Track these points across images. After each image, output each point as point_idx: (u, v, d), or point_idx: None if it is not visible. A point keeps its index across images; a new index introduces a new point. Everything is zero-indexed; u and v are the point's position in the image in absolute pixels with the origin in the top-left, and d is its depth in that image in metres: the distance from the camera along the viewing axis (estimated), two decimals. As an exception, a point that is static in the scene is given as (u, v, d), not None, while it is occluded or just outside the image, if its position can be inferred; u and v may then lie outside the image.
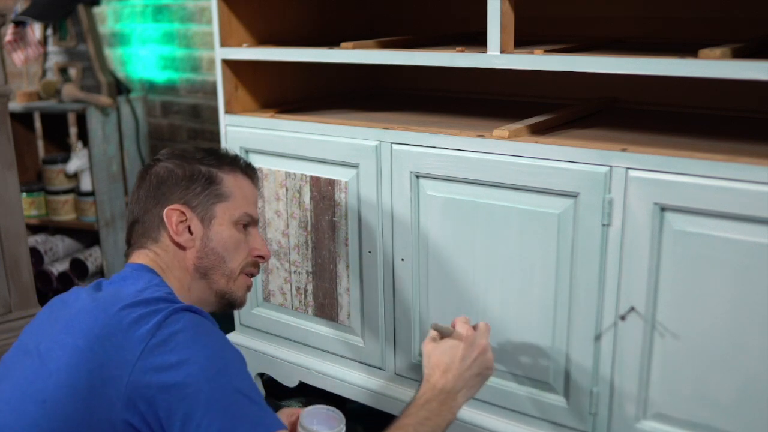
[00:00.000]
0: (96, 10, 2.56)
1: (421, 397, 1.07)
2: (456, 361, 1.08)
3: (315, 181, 1.59)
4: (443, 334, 1.12)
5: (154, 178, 1.16)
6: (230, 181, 1.17)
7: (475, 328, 1.13)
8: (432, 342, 1.12)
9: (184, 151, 1.21)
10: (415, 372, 1.55)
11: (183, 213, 1.12)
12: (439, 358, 1.09)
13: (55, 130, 2.75)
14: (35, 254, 2.48)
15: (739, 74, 1.09)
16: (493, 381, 1.44)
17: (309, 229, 1.63)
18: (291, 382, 1.77)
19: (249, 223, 1.19)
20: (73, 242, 2.67)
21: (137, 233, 1.16)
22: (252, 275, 1.20)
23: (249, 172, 1.22)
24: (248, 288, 1.20)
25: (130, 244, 1.16)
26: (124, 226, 1.21)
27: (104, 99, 2.46)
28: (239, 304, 1.19)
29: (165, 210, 1.11)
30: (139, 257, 1.13)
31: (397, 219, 1.49)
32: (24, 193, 2.48)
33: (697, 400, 1.22)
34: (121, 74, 2.76)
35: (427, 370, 1.09)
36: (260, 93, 1.77)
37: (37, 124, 2.73)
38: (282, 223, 1.67)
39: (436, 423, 1.04)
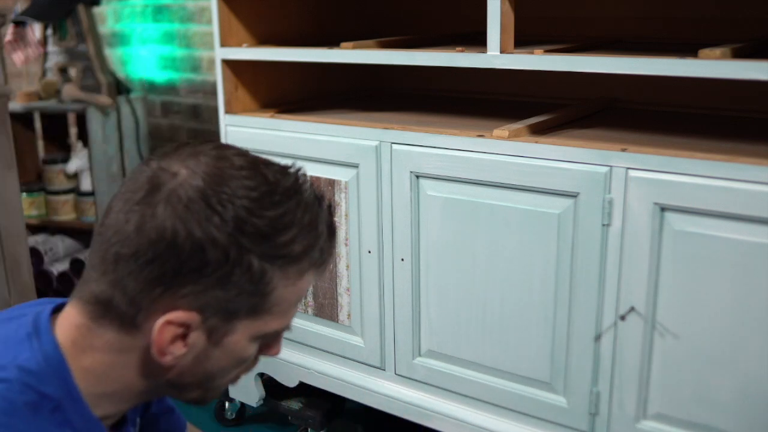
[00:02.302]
0: (96, 10, 2.56)
1: None
2: None
3: (315, 181, 1.59)
4: None
5: (165, 230, 0.68)
6: (285, 290, 0.74)
7: None
8: None
9: (243, 185, 0.70)
10: (415, 372, 1.55)
11: (186, 326, 0.71)
12: None
13: (55, 130, 2.75)
14: (35, 254, 2.48)
15: (739, 74, 1.09)
16: (493, 381, 1.44)
17: (309, 229, 1.62)
18: (291, 382, 1.77)
19: (283, 331, 0.81)
20: (73, 242, 2.67)
21: (89, 287, 0.73)
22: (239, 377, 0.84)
23: (323, 259, 0.77)
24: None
25: (77, 280, 0.79)
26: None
27: (104, 99, 2.46)
28: (200, 404, 0.84)
29: (160, 320, 0.70)
30: (66, 318, 0.75)
31: (397, 219, 1.49)
32: (24, 193, 2.48)
33: (697, 400, 1.22)
34: (121, 74, 2.76)
35: None
36: (260, 93, 1.77)
37: (37, 124, 2.73)
38: (282, 223, 1.67)
39: None
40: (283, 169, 0.74)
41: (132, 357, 0.74)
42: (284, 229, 0.71)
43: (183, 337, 0.72)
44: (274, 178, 0.72)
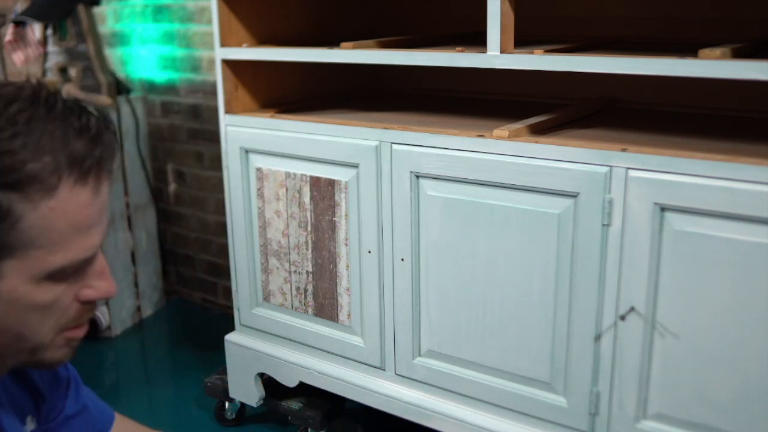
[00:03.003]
0: (96, 10, 2.56)
1: None
2: None
3: (315, 181, 1.59)
4: None
5: None
6: (37, 216, 0.65)
7: None
8: None
9: None
10: (415, 372, 1.55)
11: None
12: None
13: (55, 130, 2.75)
14: (35, 254, 2.47)
15: (739, 74, 1.09)
16: (493, 381, 1.44)
17: (309, 229, 1.63)
18: (291, 382, 1.77)
19: (81, 264, 0.70)
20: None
21: None
22: (81, 325, 0.75)
23: (82, 170, 0.67)
24: (73, 344, 0.76)
25: None
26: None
27: (104, 99, 2.46)
28: (55, 365, 0.78)
29: None
30: None
31: (397, 219, 1.49)
32: (24, 193, 2.48)
33: (697, 400, 1.22)
34: (121, 74, 2.76)
35: None
36: (260, 93, 1.77)
37: (37, 124, 2.72)
38: (282, 223, 1.67)
39: None
40: (17, 89, 0.67)
41: None
42: (8, 151, 0.62)
43: None
44: None
